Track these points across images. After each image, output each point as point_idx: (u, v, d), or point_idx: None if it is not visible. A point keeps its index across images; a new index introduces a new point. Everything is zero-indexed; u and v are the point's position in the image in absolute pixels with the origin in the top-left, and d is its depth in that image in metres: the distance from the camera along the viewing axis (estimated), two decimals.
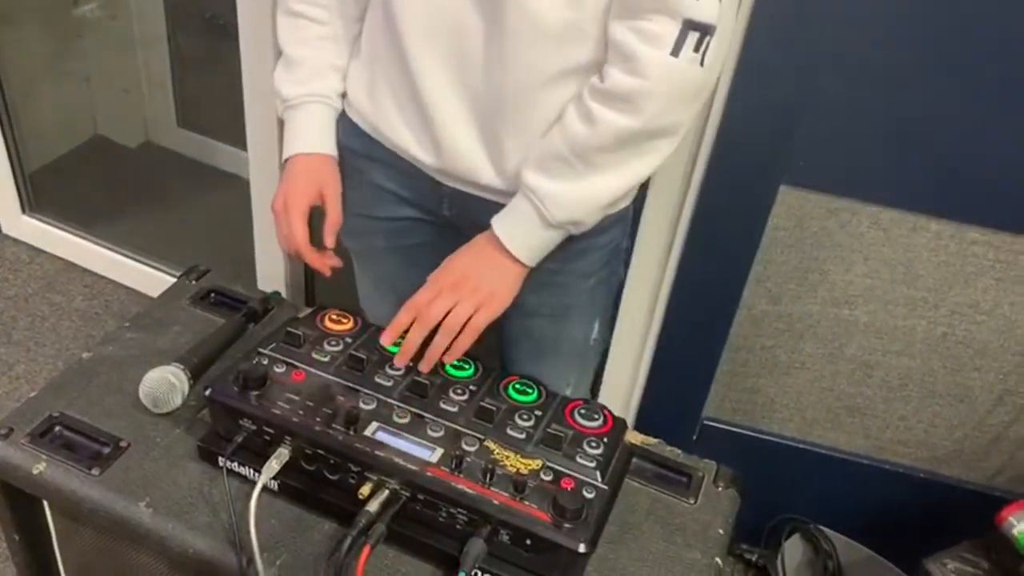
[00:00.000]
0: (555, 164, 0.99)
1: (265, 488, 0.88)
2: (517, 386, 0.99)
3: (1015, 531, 1.09)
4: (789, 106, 1.36)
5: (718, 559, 0.95)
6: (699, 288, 1.57)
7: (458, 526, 0.86)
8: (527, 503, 0.85)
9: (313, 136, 1.14)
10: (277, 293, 1.20)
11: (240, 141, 2.63)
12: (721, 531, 0.98)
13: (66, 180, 2.61)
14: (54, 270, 2.33)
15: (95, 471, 0.93)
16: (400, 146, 1.10)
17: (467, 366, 1.01)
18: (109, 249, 2.32)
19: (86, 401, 1.01)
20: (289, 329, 1.00)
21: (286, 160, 1.14)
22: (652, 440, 1.07)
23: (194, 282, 1.21)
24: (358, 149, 1.15)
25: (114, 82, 2.72)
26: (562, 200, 0.99)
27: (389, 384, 0.96)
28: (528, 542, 0.84)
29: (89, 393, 1.02)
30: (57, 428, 0.97)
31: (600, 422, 0.96)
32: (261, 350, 0.98)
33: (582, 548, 0.83)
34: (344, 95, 1.15)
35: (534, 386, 1.00)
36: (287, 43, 1.13)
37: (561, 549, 0.83)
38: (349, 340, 1.01)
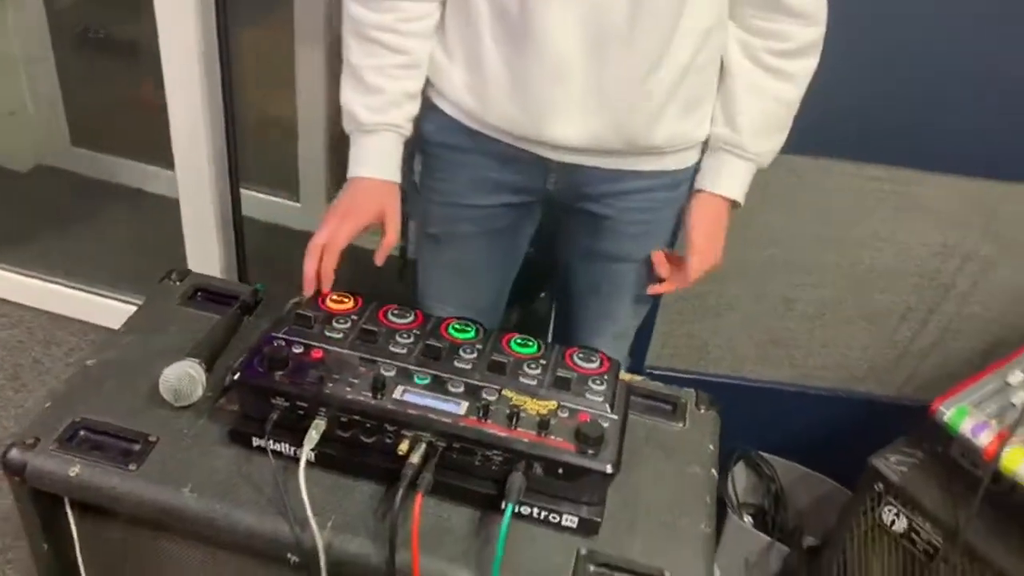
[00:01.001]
0: (778, 123, 1.20)
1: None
2: (518, 340, 1.08)
3: (945, 418, 1.25)
4: None
5: (713, 470, 1.07)
6: None
7: (493, 467, 0.95)
8: (553, 437, 0.94)
9: (383, 162, 1.18)
10: (263, 285, 1.24)
11: (141, 154, 2.61)
12: (711, 447, 1.10)
13: None
14: None
15: (132, 467, 0.96)
16: (508, 130, 1.16)
17: (468, 329, 1.09)
18: (21, 275, 2.25)
19: (103, 404, 1.03)
20: (299, 312, 1.05)
21: (351, 179, 1.18)
22: (637, 377, 1.18)
23: (178, 283, 1.24)
24: (453, 142, 1.21)
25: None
26: (774, 151, 1.24)
27: (404, 352, 1.03)
28: (560, 471, 0.93)
29: (104, 396, 1.04)
30: (82, 432, 1.00)
31: (598, 363, 1.06)
32: (275, 335, 1.03)
33: (609, 469, 0.93)
34: (428, 88, 1.20)
35: (532, 339, 1.09)
36: (363, 68, 1.15)
37: (590, 472, 0.93)
38: (355, 317, 1.07)
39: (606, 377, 1.04)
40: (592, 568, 0.93)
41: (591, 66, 1.09)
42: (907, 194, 1.63)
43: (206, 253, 2.02)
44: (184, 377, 1.02)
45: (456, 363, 1.03)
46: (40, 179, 2.70)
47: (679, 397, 1.17)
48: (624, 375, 1.16)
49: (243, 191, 2.02)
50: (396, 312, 1.09)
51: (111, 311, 2.13)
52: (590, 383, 1.02)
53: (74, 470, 0.96)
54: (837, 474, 1.84)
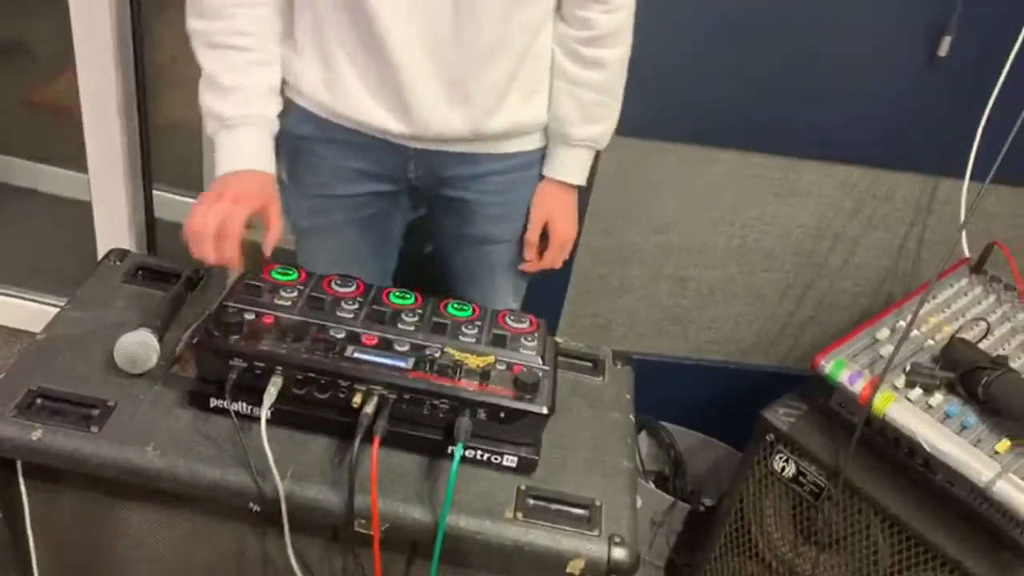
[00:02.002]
0: (596, 110, 1.28)
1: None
2: (455, 304, 1.17)
3: (826, 370, 1.42)
4: None
5: (631, 416, 1.20)
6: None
7: (440, 415, 1.04)
8: (494, 386, 1.04)
9: (255, 154, 1.19)
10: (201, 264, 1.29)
11: (33, 154, 2.57)
12: (628, 396, 1.23)
13: None
14: None
15: (93, 429, 1.01)
16: (364, 121, 1.23)
17: (408, 296, 1.18)
18: None
19: (58, 374, 1.07)
20: (248, 282, 1.12)
21: (224, 174, 1.17)
22: (559, 339, 1.29)
23: (118, 263, 1.27)
24: (314, 135, 1.27)
25: None
26: (609, 129, 1.32)
27: (351, 316, 1.11)
28: (501, 415, 1.04)
29: (58, 366, 1.08)
30: (39, 400, 1.03)
31: (527, 324, 1.17)
32: (227, 303, 1.09)
33: (545, 410, 1.04)
34: (285, 87, 1.25)
35: (467, 304, 1.19)
36: (218, 72, 1.18)
37: (529, 415, 1.04)
38: (302, 287, 1.14)
39: (536, 335, 1.15)
40: (531, 501, 1.04)
41: (429, 60, 1.18)
42: (785, 180, 1.82)
43: (115, 232, 2.02)
44: (140, 344, 1.07)
45: (400, 325, 1.11)
46: None
47: (598, 355, 1.29)
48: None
49: (156, 191, 2.05)
50: (338, 282, 1.16)
51: (28, 312, 2.11)
52: (523, 340, 1.13)
53: (36, 435, 0.99)
54: (730, 440, 2.01)
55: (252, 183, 1.18)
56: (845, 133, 1.75)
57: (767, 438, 1.51)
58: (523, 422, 1.05)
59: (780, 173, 1.81)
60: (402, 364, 1.05)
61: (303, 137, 1.29)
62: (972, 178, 1.65)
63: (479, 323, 1.15)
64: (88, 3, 1.72)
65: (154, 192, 2.06)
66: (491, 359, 1.09)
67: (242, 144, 1.20)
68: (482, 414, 1.04)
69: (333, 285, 1.16)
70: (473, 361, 1.08)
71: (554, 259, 1.40)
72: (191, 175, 2.51)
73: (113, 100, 1.85)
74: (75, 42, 1.78)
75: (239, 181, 1.17)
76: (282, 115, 1.25)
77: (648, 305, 1.97)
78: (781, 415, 1.51)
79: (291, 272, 1.17)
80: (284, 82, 1.26)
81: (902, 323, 1.47)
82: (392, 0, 1.14)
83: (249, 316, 1.08)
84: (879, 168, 1.80)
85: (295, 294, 1.13)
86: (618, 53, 1.28)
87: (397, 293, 1.17)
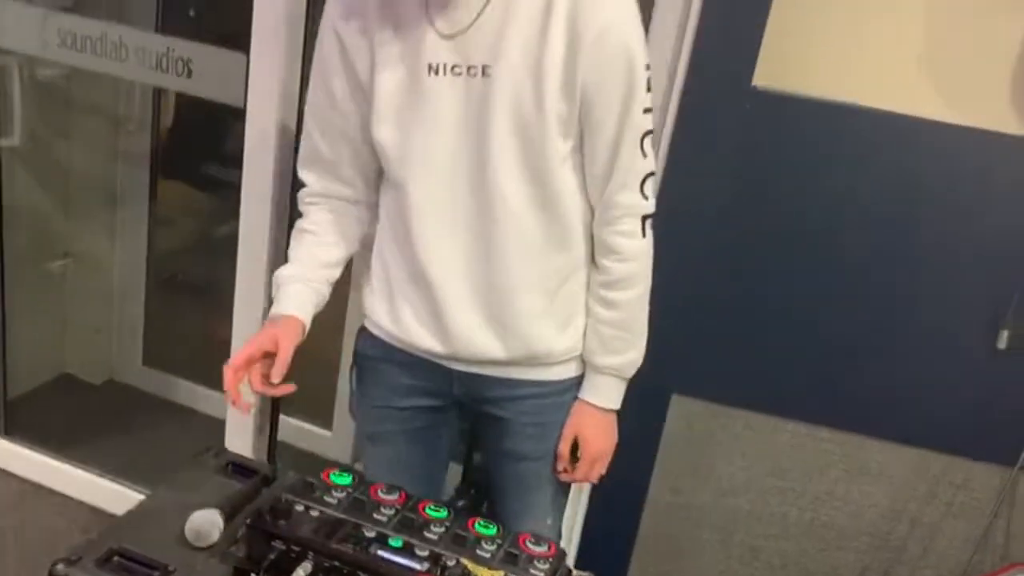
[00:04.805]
0: (615, 343, 1.45)
1: None
2: (482, 523, 1.29)
3: None
4: (677, 336, 1.80)
5: None
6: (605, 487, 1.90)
7: None
8: None
9: (288, 303, 1.43)
10: (277, 465, 1.49)
11: (198, 377, 2.96)
12: None
13: (32, 414, 2.83)
14: (22, 491, 2.50)
15: None
16: (414, 343, 1.46)
17: (441, 510, 1.31)
18: (78, 468, 2.52)
19: (139, 537, 1.26)
20: (306, 480, 1.30)
21: (266, 321, 1.45)
22: (585, 573, 1.36)
23: (214, 458, 1.50)
24: (379, 355, 1.52)
25: (88, 325, 3.03)
26: (632, 360, 1.48)
27: (384, 520, 1.25)
28: None
29: (141, 532, 1.27)
30: (116, 558, 1.22)
31: (546, 548, 1.27)
32: (285, 496, 1.27)
33: None
34: (363, 317, 1.52)
35: (492, 523, 1.30)
36: (291, 250, 1.50)
37: None
38: (351, 490, 1.31)
39: (551, 561, 1.24)
40: None
41: (466, 291, 1.40)
42: (855, 457, 1.85)
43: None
44: (207, 522, 1.26)
45: (426, 534, 1.24)
46: (110, 392, 3.05)
47: None
48: (575, 571, 1.36)
49: (283, 416, 2.32)
50: (384, 490, 1.32)
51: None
52: (535, 562, 1.22)
53: None
54: None
55: (270, 326, 1.41)
56: (914, 415, 1.80)
57: None
58: None
59: (849, 449, 1.85)
60: (417, 567, 1.17)
61: (370, 358, 1.54)
62: None
63: (499, 541, 1.26)
64: (251, 251, 2.10)
65: (281, 417, 2.33)
66: (501, 573, 1.19)
67: (281, 298, 1.45)
68: None
69: (379, 492, 1.32)
70: (483, 573, 1.18)
71: (585, 473, 1.51)
72: (321, 407, 2.82)
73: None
74: (237, 285, 2.15)
75: (264, 327, 1.42)
76: (358, 338, 1.52)
77: (718, 572, 1.97)
78: None
79: (346, 476, 1.34)
80: (364, 313, 1.52)
81: None
82: (434, 241, 1.39)
83: (299, 508, 1.25)
84: (951, 454, 1.81)
85: (343, 495, 1.29)
86: (632, 295, 1.44)
87: (433, 506, 1.31)
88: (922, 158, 1.70)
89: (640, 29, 1.33)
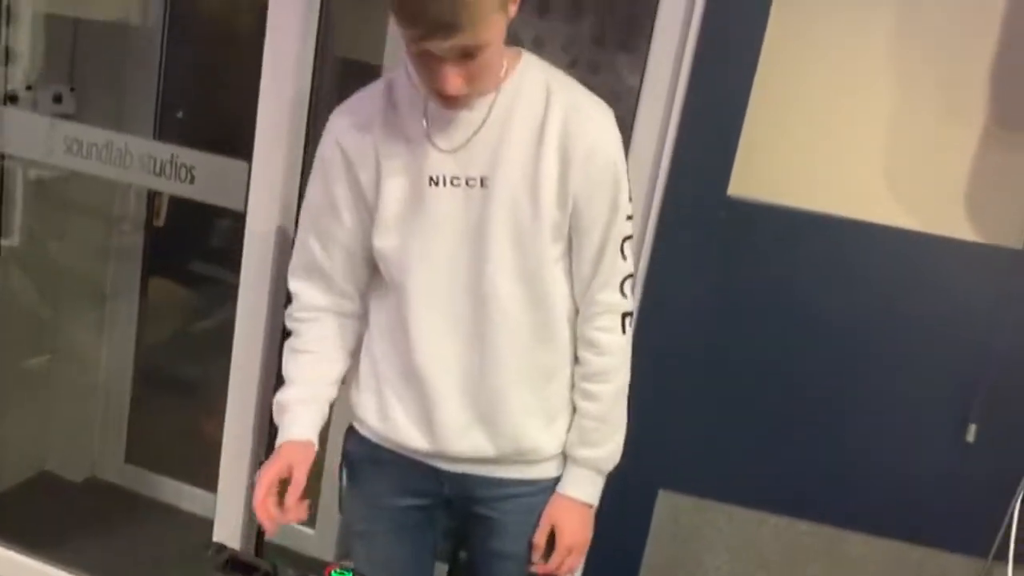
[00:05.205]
0: (593, 435, 1.49)
1: None
2: None
3: None
4: (663, 434, 1.87)
5: None
6: None
7: None
8: None
9: (295, 428, 1.48)
10: (278, 560, 1.52)
11: (182, 474, 2.96)
12: None
13: (11, 514, 2.80)
14: None
15: None
16: (403, 443, 1.50)
17: None
18: (59, 569, 2.49)
19: None
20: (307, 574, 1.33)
21: (278, 447, 1.47)
22: None
23: (216, 554, 1.52)
24: (369, 455, 1.56)
25: (70, 421, 3.03)
26: (610, 453, 1.52)
27: None
28: None
29: None
30: None
31: None
32: None
33: None
34: (352, 417, 1.56)
35: None
36: (287, 372, 1.53)
37: None
38: None
39: None
40: None
41: (457, 389, 1.45)
42: (835, 550, 1.91)
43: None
44: None
45: None
46: (91, 489, 3.03)
47: None
48: None
49: None
50: None
51: None
52: None
53: None
54: None
55: (282, 452, 1.45)
56: (889, 508, 1.86)
57: None
58: None
59: (829, 542, 1.90)
60: None
61: (361, 459, 1.57)
62: (1016, 561, 1.70)
63: None
64: (246, 352, 2.15)
65: None
66: None
67: (287, 424, 1.49)
68: None
69: None
70: None
71: (558, 564, 1.52)
72: None
73: (249, 437, 2.19)
74: (230, 384, 2.18)
75: (276, 454, 1.45)
76: (347, 440, 1.56)
77: None
78: None
79: (347, 573, 1.38)
80: (353, 414, 1.57)
81: None
82: (430, 338, 1.44)
83: None
84: (927, 546, 1.87)
85: None
86: (610, 388, 1.49)
87: None
88: (886, 262, 1.81)
89: (621, 146, 1.44)
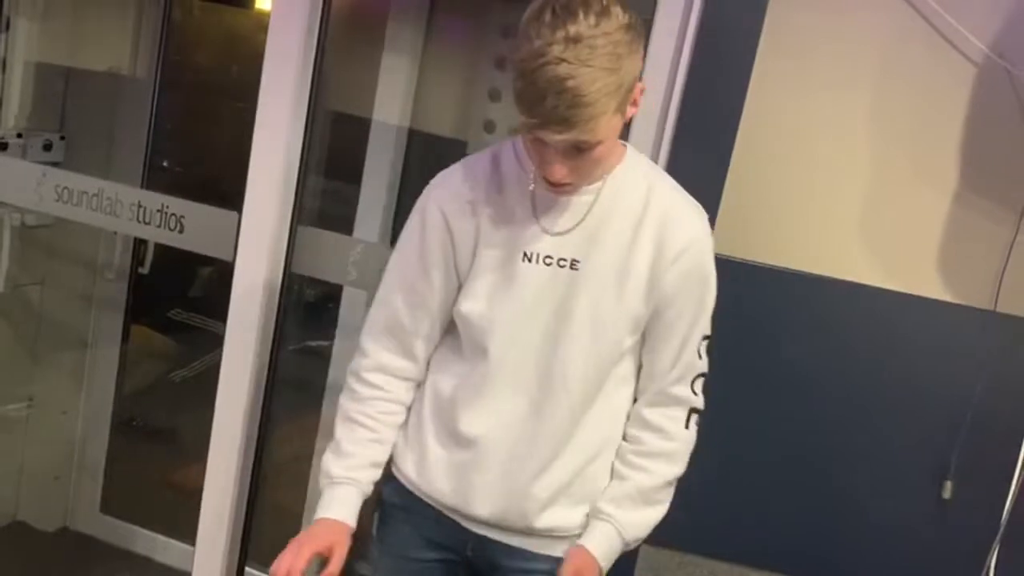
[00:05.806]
0: (627, 502, 1.47)
1: None
2: None
3: None
4: None
5: None
6: None
7: None
8: None
9: (342, 508, 1.47)
10: None
11: (158, 525, 2.92)
12: None
13: None
14: None
15: None
16: (436, 498, 1.50)
17: None
18: None
19: None
20: None
21: (316, 520, 1.46)
22: None
23: None
24: (402, 504, 1.55)
25: (45, 470, 2.98)
26: (638, 525, 1.48)
27: None
28: None
29: None
30: None
31: None
32: None
33: None
34: (391, 463, 1.55)
35: None
36: (343, 440, 1.51)
37: None
38: None
39: None
40: None
41: (510, 462, 1.45)
42: None
43: None
44: None
45: None
46: (63, 541, 2.97)
47: None
48: None
49: (248, 568, 2.31)
50: None
51: None
52: None
53: None
54: None
55: (326, 528, 1.45)
56: (868, 563, 1.88)
57: None
58: None
59: None
60: None
61: (393, 505, 1.57)
62: None
63: None
64: (230, 403, 2.15)
65: (247, 569, 2.31)
66: None
67: (335, 499, 1.48)
68: None
69: None
70: None
71: None
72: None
73: (231, 487, 2.17)
74: (213, 435, 2.17)
75: (317, 527, 1.45)
76: (384, 484, 1.55)
77: None
78: None
79: None
80: (391, 459, 1.56)
81: None
82: (496, 402, 1.45)
83: None
84: None
85: None
86: (667, 470, 1.48)
87: None
88: (864, 321, 1.86)
89: (712, 249, 1.47)
